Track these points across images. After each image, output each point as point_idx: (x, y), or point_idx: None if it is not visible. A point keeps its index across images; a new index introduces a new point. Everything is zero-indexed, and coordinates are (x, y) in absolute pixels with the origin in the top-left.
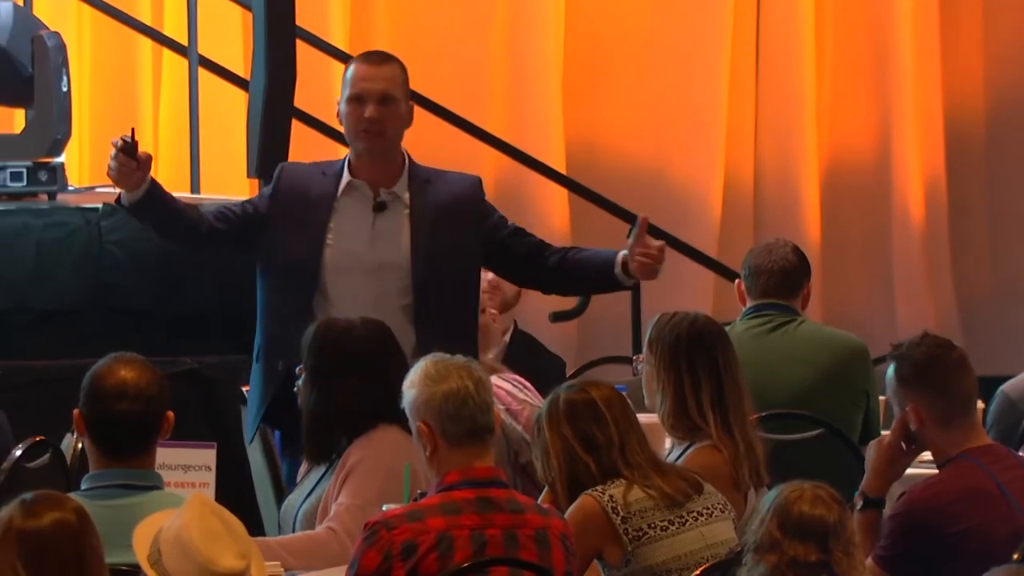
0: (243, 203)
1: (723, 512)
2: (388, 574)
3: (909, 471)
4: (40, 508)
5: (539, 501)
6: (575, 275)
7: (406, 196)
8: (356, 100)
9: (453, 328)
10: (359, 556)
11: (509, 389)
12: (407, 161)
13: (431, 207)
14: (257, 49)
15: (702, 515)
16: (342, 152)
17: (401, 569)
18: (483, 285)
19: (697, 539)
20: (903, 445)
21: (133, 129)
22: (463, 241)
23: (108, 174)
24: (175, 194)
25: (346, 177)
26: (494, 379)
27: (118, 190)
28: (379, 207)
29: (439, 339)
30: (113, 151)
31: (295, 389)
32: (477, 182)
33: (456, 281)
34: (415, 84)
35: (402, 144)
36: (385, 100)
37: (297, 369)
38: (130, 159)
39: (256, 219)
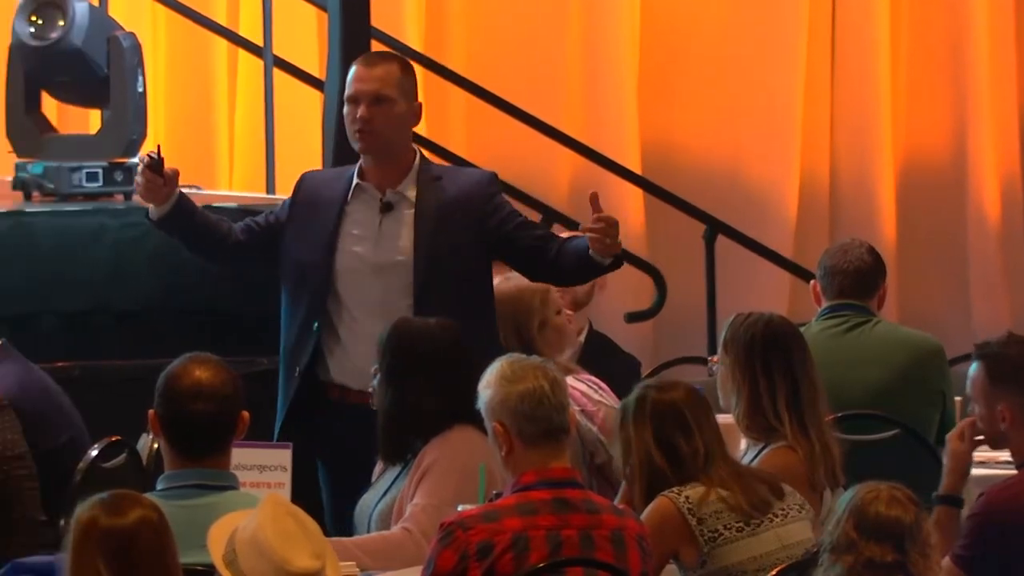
0: (266, 215)
1: (800, 512)
2: (464, 574)
3: (989, 471)
4: (124, 506)
5: (615, 501)
6: (567, 265)
7: (412, 195)
8: (351, 101)
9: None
10: (435, 556)
11: (584, 390)
12: (417, 160)
13: (436, 205)
14: (332, 50)
15: (778, 516)
16: None
17: (477, 569)
18: None
19: (773, 540)
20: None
21: (159, 146)
22: (467, 239)
23: (135, 190)
24: (250, 195)
25: (355, 180)
26: (569, 380)
27: (188, 191)
28: (385, 208)
29: None
30: (140, 167)
31: (369, 389)
32: (489, 178)
33: (460, 279)
34: (490, 84)
35: (413, 142)
36: (377, 100)
37: (372, 369)
38: (156, 176)
39: (277, 229)
